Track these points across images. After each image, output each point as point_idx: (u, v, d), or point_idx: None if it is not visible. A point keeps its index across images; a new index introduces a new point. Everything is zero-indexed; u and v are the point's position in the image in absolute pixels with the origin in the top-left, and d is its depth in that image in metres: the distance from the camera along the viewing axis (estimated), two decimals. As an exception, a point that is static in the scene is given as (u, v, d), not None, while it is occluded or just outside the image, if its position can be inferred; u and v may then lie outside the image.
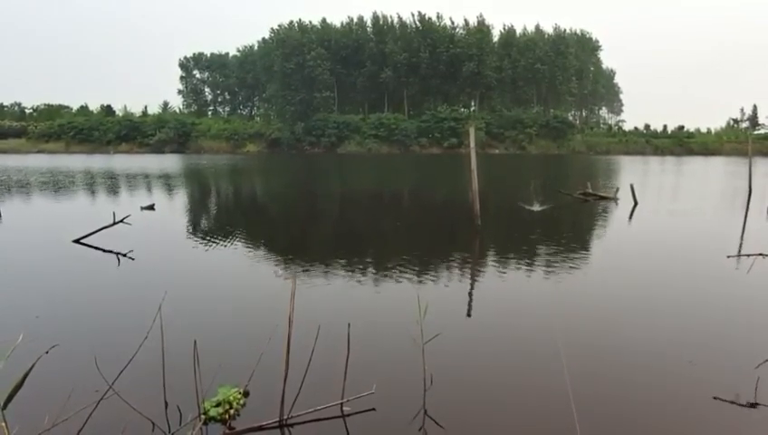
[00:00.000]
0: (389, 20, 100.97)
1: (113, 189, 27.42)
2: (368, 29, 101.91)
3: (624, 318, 7.62)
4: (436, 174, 42.97)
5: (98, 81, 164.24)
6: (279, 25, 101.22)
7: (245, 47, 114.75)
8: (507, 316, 7.73)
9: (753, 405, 5.08)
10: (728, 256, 7.32)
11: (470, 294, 8.92)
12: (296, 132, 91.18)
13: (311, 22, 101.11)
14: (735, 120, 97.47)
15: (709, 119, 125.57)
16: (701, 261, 10.80)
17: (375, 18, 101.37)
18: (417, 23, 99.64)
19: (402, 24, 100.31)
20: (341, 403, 4.87)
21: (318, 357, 5.05)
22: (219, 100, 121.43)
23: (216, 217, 19.42)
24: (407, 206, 22.85)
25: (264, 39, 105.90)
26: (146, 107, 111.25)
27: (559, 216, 16.03)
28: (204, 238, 13.78)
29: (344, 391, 4.86)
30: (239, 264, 10.94)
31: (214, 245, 12.82)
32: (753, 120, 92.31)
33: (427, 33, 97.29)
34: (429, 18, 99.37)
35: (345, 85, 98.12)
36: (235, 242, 13.17)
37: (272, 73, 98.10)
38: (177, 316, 6.97)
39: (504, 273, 10.21)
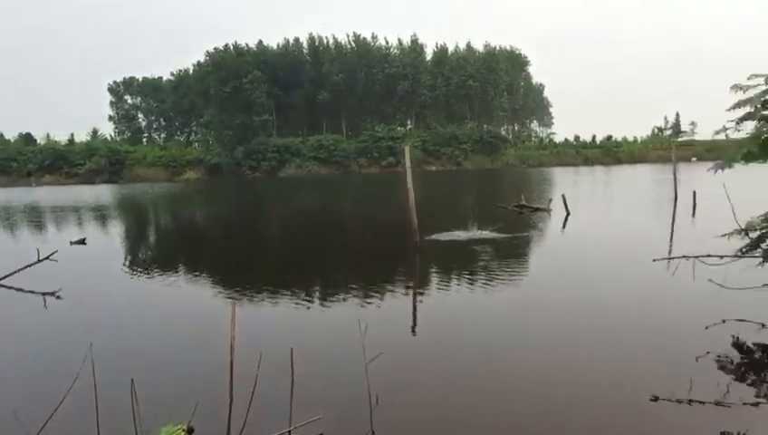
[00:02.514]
0: (326, 41, 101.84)
1: (38, 225, 25.85)
2: (304, 51, 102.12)
3: (564, 326, 7.88)
4: (376, 193, 43.33)
5: (13, 107, 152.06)
6: (214, 48, 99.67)
7: (180, 71, 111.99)
8: (450, 332, 7.82)
9: (690, 402, 5.32)
10: (654, 260, 7.82)
11: (413, 312, 8.98)
12: (236, 157, 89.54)
13: (247, 44, 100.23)
14: (659, 129, 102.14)
15: (635, 128, 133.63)
16: (631, 266, 11.35)
17: (311, 40, 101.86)
18: (353, 43, 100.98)
19: (338, 45, 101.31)
20: (289, 431, 4.81)
21: (262, 385, 4.96)
22: (154, 126, 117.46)
23: (153, 249, 18.73)
24: (347, 226, 22.87)
25: (198, 62, 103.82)
26: (72, 134, 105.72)
27: (496, 231, 16.50)
28: (140, 271, 13.25)
29: (291, 418, 4.82)
30: (177, 295, 10.61)
31: (150, 277, 12.35)
32: (676, 127, 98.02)
33: (363, 53, 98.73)
34: (364, 39, 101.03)
35: (284, 108, 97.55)
36: (173, 273, 12.76)
37: (208, 97, 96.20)
38: (112, 355, 6.67)
39: (445, 288, 10.38)
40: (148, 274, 12.79)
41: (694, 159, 66.28)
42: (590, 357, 6.71)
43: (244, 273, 13.25)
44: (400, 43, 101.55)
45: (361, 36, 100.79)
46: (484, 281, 10.65)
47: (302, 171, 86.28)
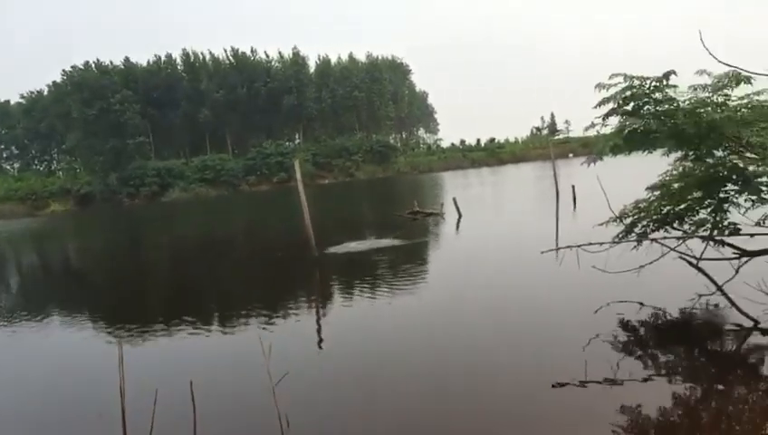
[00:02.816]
0: (201, 57, 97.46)
1: None
2: (179, 67, 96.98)
3: (465, 324, 8.06)
4: (269, 211, 42.25)
5: None
6: (72, 67, 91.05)
7: (32, 93, 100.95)
8: (356, 343, 7.74)
9: (587, 384, 5.59)
10: (542, 252, 8.19)
11: (317, 327, 8.83)
12: (110, 184, 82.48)
13: (111, 62, 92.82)
14: (538, 128, 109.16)
15: (516, 129, 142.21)
16: (522, 260, 11.88)
17: (185, 55, 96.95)
18: (231, 58, 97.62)
19: (215, 60, 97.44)
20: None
21: (162, 424, 4.46)
22: (5, 155, 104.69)
23: (19, 293, 16.54)
24: (241, 247, 21.91)
25: (54, 82, 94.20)
26: None
27: (393, 238, 16.62)
28: (6, 320, 11.55)
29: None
30: (55, 343, 9.46)
31: (19, 325, 10.83)
32: (552, 126, 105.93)
33: (243, 68, 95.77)
34: (243, 53, 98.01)
35: (161, 128, 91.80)
36: (47, 318, 11.27)
37: (71, 121, 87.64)
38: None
39: (347, 300, 10.26)
40: (16, 322, 11.18)
41: (570, 155, 71.01)
42: (493, 351, 6.90)
43: (129, 308, 12.11)
44: (281, 56, 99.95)
45: (240, 51, 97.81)
46: (384, 289, 10.62)
47: (188, 194, 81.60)
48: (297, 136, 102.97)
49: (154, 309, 11.65)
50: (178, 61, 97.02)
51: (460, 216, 20.72)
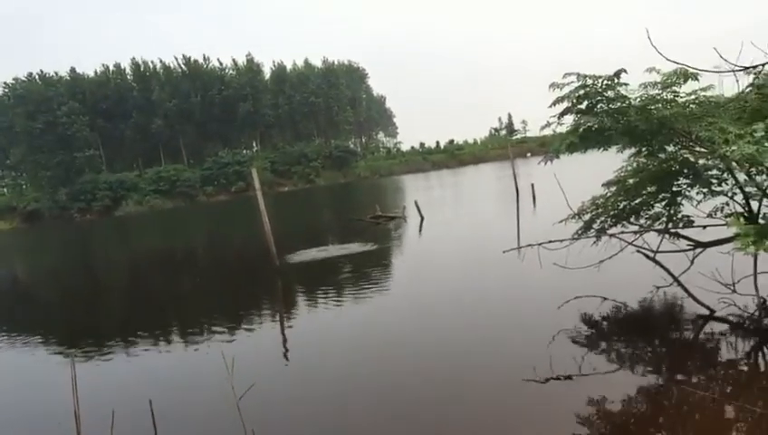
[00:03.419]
0: (152, 66, 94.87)
1: None
2: (128, 77, 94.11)
3: (432, 327, 8.07)
4: (228, 221, 41.36)
5: None
6: (15, 79, 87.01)
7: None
8: (322, 353, 7.60)
9: (552, 379, 5.66)
10: (504, 251, 8.26)
11: (281, 337, 8.70)
12: (59, 200, 79.08)
13: (56, 73, 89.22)
14: (496, 129, 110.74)
15: (474, 131, 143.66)
16: (486, 260, 11.91)
17: (135, 65, 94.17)
18: (184, 67, 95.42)
19: (166, 68, 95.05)
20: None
21: None
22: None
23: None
24: (202, 260, 21.32)
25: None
26: None
27: (355, 244, 16.50)
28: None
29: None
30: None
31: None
32: (510, 127, 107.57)
33: (196, 76, 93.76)
34: (196, 61, 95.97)
35: (112, 141, 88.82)
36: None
37: (14, 135, 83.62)
38: None
39: (312, 308, 10.15)
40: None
41: (528, 154, 72.14)
42: (461, 351, 6.92)
43: (83, 328, 11.61)
44: (235, 63, 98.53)
45: (192, 59, 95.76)
46: (349, 296, 10.55)
47: (143, 207, 79.16)
48: (254, 144, 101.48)
49: (109, 328, 11.15)
50: (128, 70, 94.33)
51: (422, 218, 20.77)
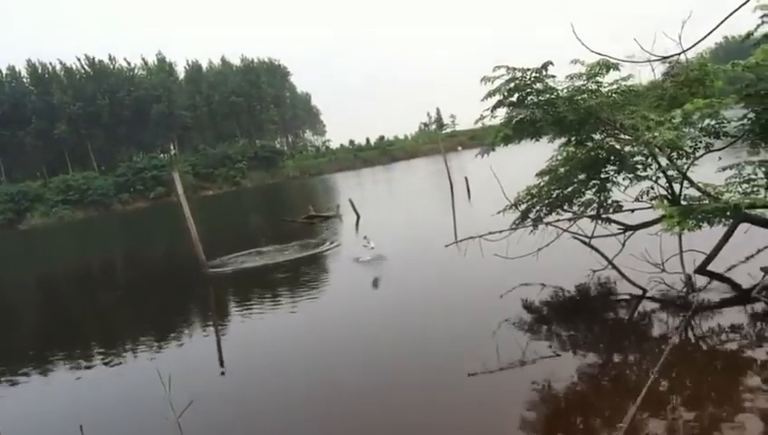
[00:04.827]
0: (51, 67, 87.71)
1: None
2: (25, 80, 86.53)
3: (375, 325, 8.05)
4: (149, 229, 39.23)
5: None
6: None
7: None
8: (260, 362, 7.42)
9: (500, 369, 5.76)
10: (446, 246, 8.28)
11: (217, 350, 8.39)
12: (-49, 215, 71.43)
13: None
14: (425, 124, 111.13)
15: (404, 126, 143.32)
16: (426, 256, 11.91)
17: (31, 67, 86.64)
18: (87, 68, 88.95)
19: (68, 70, 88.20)
20: None
21: None
22: None
23: None
24: (123, 272, 20.00)
25: None
26: None
27: (289, 247, 16.06)
28: None
29: None
30: None
31: None
32: (439, 121, 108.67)
33: (101, 77, 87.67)
34: (101, 61, 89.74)
35: (11, 148, 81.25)
36: None
37: None
38: None
39: (247, 317, 9.79)
40: None
41: (459, 148, 73.43)
42: (406, 347, 6.94)
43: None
44: (145, 63, 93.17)
45: (96, 59, 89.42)
46: (286, 301, 10.33)
47: (51, 219, 73.12)
48: (172, 147, 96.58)
49: (26, 353, 10.08)
50: (23, 73, 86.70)
51: (358, 217, 20.54)
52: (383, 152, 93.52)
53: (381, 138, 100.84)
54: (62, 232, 53.69)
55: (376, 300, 9.44)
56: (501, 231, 7.64)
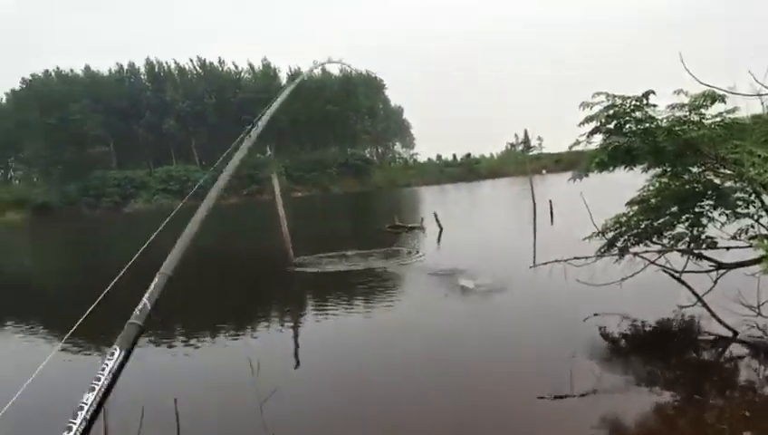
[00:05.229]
0: (166, 66, 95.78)
1: None
2: (142, 77, 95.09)
3: (453, 337, 8.09)
4: (242, 223, 41.53)
5: None
6: (32, 75, 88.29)
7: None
8: (342, 360, 7.68)
9: (571, 396, 5.69)
10: (530, 266, 8.34)
11: (301, 343, 8.75)
12: (68, 194, 79.66)
13: (72, 70, 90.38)
14: (512, 145, 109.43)
15: (491, 145, 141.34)
16: (508, 274, 11.61)
17: (149, 65, 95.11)
18: (199, 69, 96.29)
19: (181, 70, 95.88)
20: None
21: None
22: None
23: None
24: (217, 260, 21.44)
25: (13, 91, 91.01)
26: None
27: (373, 253, 16.56)
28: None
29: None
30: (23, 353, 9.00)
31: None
32: (527, 143, 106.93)
33: (211, 78, 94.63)
34: (211, 63, 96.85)
35: (124, 139, 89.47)
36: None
37: (29, 129, 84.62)
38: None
39: (330, 316, 10.12)
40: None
41: (544, 171, 72.00)
42: (479, 365, 6.95)
43: (104, 324, 11.58)
44: (252, 67, 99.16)
45: (207, 61, 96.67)
46: (368, 304, 10.62)
47: (152, 205, 79.51)
48: (268, 149, 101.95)
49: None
50: (142, 70, 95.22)
51: (441, 230, 20.78)
52: (469, 169, 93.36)
53: (468, 155, 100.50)
54: (162, 218, 57.87)
55: (451, 315, 9.48)
56: (586, 257, 7.59)
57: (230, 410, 5.97)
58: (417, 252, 16.56)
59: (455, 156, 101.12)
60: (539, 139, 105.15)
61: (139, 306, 2.34)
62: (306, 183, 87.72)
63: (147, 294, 2.48)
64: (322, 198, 70.94)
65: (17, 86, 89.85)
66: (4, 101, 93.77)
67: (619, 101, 7.04)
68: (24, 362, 8.90)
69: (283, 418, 5.47)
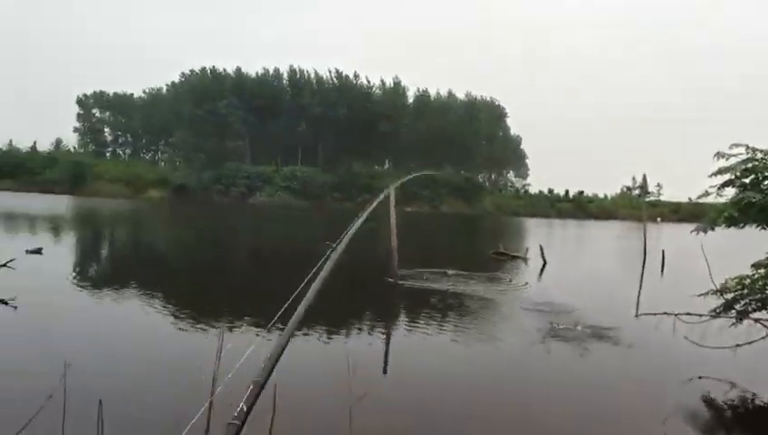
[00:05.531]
0: (306, 74, 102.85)
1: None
2: (284, 81, 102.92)
3: (541, 379, 7.85)
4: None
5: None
6: (190, 70, 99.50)
7: (153, 89, 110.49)
8: (425, 376, 7.76)
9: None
10: (637, 316, 7.99)
11: (385, 353, 8.96)
12: (204, 180, 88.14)
13: (224, 69, 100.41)
14: (628, 188, 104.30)
15: (605, 185, 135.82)
16: (611, 319, 11.02)
17: (292, 71, 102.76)
18: (335, 79, 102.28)
19: (319, 78, 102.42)
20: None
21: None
22: (120, 141, 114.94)
23: (117, 265, 18.16)
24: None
25: (173, 83, 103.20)
26: (35, 143, 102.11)
27: (475, 275, 16.57)
28: (100, 287, 12.80)
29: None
30: (148, 317, 10.17)
31: (112, 294, 11.93)
32: (644, 188, 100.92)
33: (345, 89, 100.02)
34: (347, 76, 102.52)
35: (259, 135, 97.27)
36: (137, 294, 12.26)
37: (180, 118, 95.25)
38: (77, 371, 6.28)
39: (419, 330, 10.28)
40: (109, 290, 12.34)
41: (659, 219, 68.22)
42: (567, 410, 6.69)
43: (220, 300, 12.90)
44: (383, 83, 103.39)
45: (344, 73, 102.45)
46: (461, 328, 10.61)
47: (273, 199, 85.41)
48: (387, 161, 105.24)
49: (242, 306, 12.10)
50: (284, 75, 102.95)
51: (545, 263, 20.32)
52: (579, 207, 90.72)
53: (580, 193, 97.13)
54: (282, 212, 61.86)
55: (545, 355, 9.13)
56: (700, 315, 7.17)
57: (322, 404, 6.27)
58: (525, 283, 16.28)
59: (567, 191, 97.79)
60: (658, 185, 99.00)
61: (237, 409, 2.86)
62: (417, 199, 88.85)
63: (244, 399, 2.99)
64: (429, 216, 71.44)
65: (176, 79, 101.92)
66: (164, 91, 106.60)
67: (760, 155, 6.64)
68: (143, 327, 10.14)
69: (367, 423, 5.57)
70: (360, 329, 10.37)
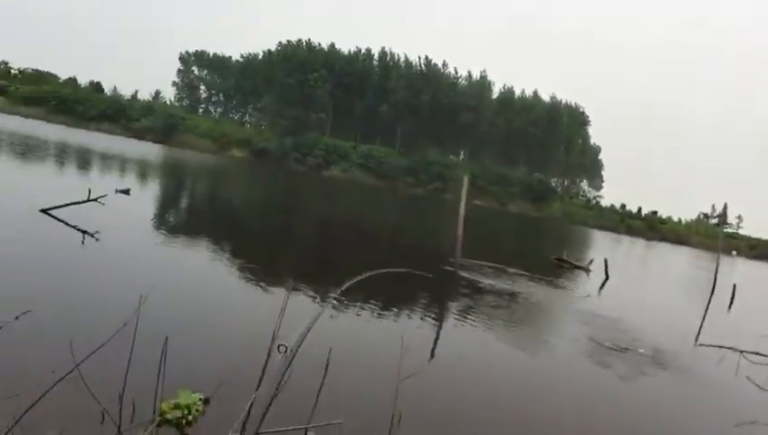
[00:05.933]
0: (396, 57, 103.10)
1: (88, 166, 26.89)
2: (374, 62, 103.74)
3: (588, 396, 7.59)
4: (420, 215, 43.27)
5: (88, 56, 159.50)
6: (287, 41, 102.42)
7: (249, 54, 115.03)
8: (473, 364, 7.83)
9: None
10: (699, 345, 7.48)
11: (435, 339, 8.95)
12: (284, 146, 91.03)
13: (319, 43, 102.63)
14: (706, 215, 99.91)
15: (680, 208, 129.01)
16: (668, 345, 10.65)
17: (382, 53, 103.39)
18: (423, 66, 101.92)
19: (408, 63, 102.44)
20: (306, 428, 4.73)
21: (291, 379, 4.94)
22: (213, 99, 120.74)
23: (196, 216, 19.18)
24: (394, 236, 22.94)
25: (269, 50, 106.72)
26: (136, 91, 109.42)
27: (534, 278, 16.21)
28: (177, 233, 13.57)
29: (312, 417, 4.74)
30: (219, 268, 10.69)
31: (187, 241, 12.62)
32: (723, 218, 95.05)
33: (431, 77, 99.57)
34: (435, 64, 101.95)
35: (342, 111, 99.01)
36: (214, 245, 12.94)
37: (271, 84, 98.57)
38: (147, 308, 6.74)
39: (472, 322, 10.22)
40: (190, 237, 13.06)
41: (734, 252, 64.31)
42: (608, 431, 6.45)
43: (287, 264, 13.39)
44: (470, 75, 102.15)
45: (432, 61, 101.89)
46: (512, 329, 10.44)
47: (346, 175, 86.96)
48: (462, 153, 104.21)
49: (307, 272, 12.58)
50: (375, 56, 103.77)
51: (607, 278, 19.52)
52: (651, 227, 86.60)
53: (654, 212, 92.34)
54: (356, 188, 62.87)
55: (594, 365, 8.82)
56: (771, 358, 6.60)
57: (370, 378, 6.37)
58: (587, 295, 15.73)
59: (639, 209, 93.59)
60: (738, 217, 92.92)
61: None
62: (487, 194, 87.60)
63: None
64: (496, 212, 70.29)
65: (273, 48, 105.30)
66: (260, 57, 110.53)
67: None
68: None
69: (412, 402, 5.49)
70: (413, 311, 10.41)
